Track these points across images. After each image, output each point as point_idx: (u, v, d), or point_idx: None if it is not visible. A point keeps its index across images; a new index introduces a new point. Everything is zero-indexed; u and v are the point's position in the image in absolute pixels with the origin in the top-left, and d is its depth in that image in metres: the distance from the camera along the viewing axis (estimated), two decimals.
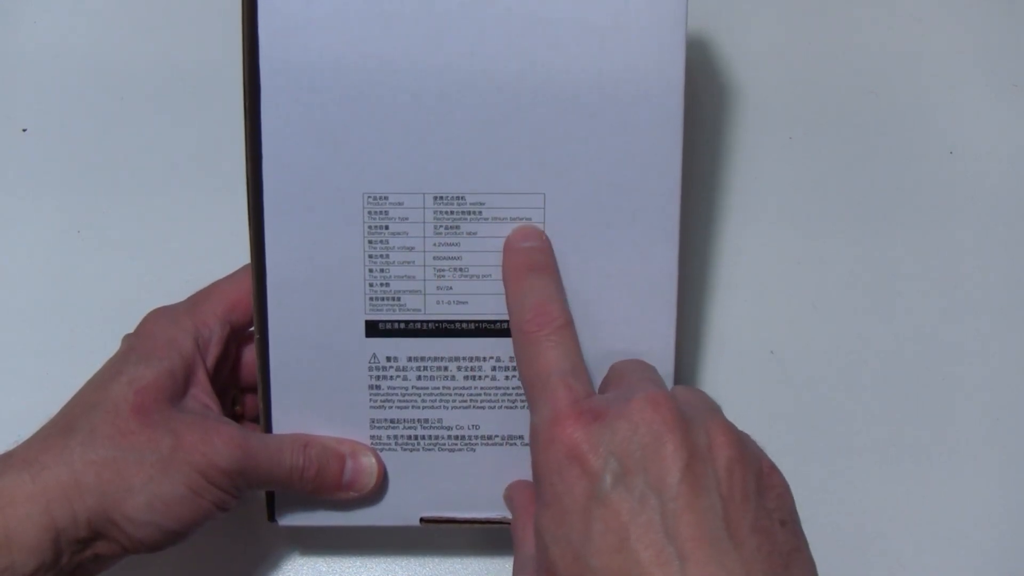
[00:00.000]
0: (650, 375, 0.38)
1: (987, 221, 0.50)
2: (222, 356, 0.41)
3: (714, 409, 0.35)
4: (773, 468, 0.34)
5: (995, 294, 0.49)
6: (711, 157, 0.50)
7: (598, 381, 0.40)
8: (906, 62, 0.51)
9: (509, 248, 0.39)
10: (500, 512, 0.42)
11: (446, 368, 0.41)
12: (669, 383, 0.40)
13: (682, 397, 0.35)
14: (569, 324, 0.37)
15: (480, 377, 0.41)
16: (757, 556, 0.30)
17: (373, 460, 0.41)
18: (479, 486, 0.41)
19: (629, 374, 0.37)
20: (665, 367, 0.40)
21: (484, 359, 0.41)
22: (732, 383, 0.48)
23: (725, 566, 0.30)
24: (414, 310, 0.40)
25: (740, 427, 0.34)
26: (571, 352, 0.36)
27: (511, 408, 0.41)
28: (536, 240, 0.39)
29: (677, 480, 0.31)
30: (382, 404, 0.41)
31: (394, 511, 0.42)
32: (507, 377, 0.41)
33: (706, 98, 0.51)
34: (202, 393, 0.39)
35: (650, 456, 0.31)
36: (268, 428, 0.41)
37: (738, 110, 0.51)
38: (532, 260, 0.39)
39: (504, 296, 0.39)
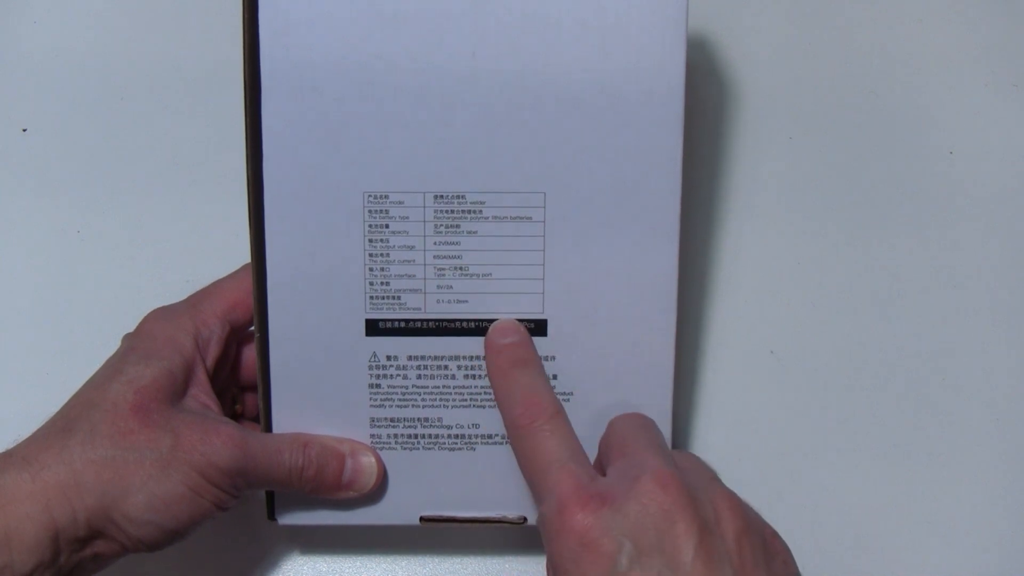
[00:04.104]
0: (651, 439, 0.38)
1: (987, 221, 0.50)
2: (222, 356, 0.41)
3: (713, 478, 0.36)
4: (775, 535, 0.35)
5: (995, 294, 0.49)
6: (711, 157, 0.50)
7: (596, 383, 0.40)
8: (906, 62, 0.51)
9: (490, 347, 0.40)
10: (500, 511, 0.42)
11: (446, 367, 0.41)
12: (669, 384, 0.41)
13: (682, 466, 0.36)
14: (560, 411, 0.37)
15: (480, 376, 0.41)
16: None
17: (373, 459, 0.41)
18: (479, 485, 0.41)
19: (632, 442, 0.37)
20: (665, 367, 0.40)
21: (484, 358, 0.40)
22: (732, 383, 0.48)
23: None
24: (414, 309, 0.40)
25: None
26: (567, 438, 0.37)
27: None
28: (514, 335, 0.40)
29: (691, 557, 0.32)
30: (382, 403, 0.41)
31: (394, 510, 0.42)
32: None
33: (706, 98, 0.51)
34: (202, 393, 0.39)
35: (664, 536, 0.32)
36: (268, 427, 0.41)
37: (738, 110, 0.51)
38: (515, 356, 0.39)
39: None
